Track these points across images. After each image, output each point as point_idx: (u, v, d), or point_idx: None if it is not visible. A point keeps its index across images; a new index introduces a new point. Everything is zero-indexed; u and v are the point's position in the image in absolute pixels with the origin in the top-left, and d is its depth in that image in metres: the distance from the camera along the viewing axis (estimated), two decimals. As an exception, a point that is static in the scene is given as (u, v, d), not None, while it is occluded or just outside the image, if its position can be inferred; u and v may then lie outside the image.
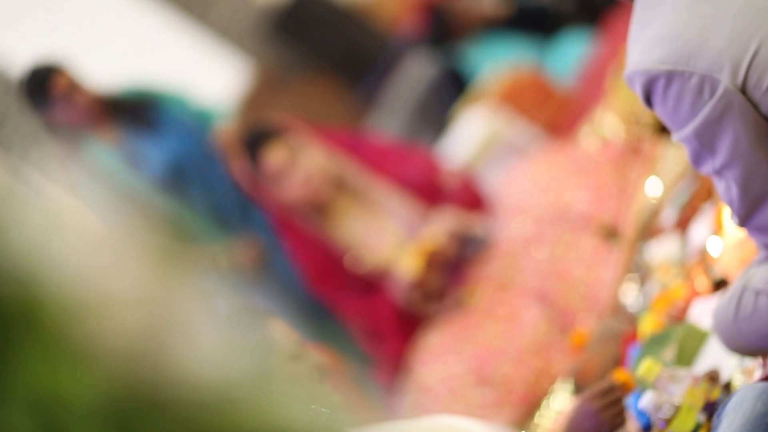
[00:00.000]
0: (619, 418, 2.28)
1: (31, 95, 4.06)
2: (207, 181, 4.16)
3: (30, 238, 0.91)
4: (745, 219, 1.86)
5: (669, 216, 3.05)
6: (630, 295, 3.02)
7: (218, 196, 4.17)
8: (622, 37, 5.01)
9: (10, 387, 0.85)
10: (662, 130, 3.51)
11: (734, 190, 1.82)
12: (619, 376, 2.35)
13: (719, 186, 1.85)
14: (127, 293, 0.91)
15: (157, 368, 0.88)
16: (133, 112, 4.22)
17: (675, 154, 3.28)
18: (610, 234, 2.80)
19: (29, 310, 0.86)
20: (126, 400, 0.86)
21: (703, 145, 1.80)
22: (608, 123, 3.72)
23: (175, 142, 4.19)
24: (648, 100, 1.83)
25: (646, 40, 1.82)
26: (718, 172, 1.82)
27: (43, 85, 4.03)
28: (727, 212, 2.58)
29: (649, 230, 3.13)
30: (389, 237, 3.53)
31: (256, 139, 3.51)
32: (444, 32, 6.59)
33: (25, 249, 0.89)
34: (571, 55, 6.21)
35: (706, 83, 1.75)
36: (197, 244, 4.14)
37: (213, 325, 0.94)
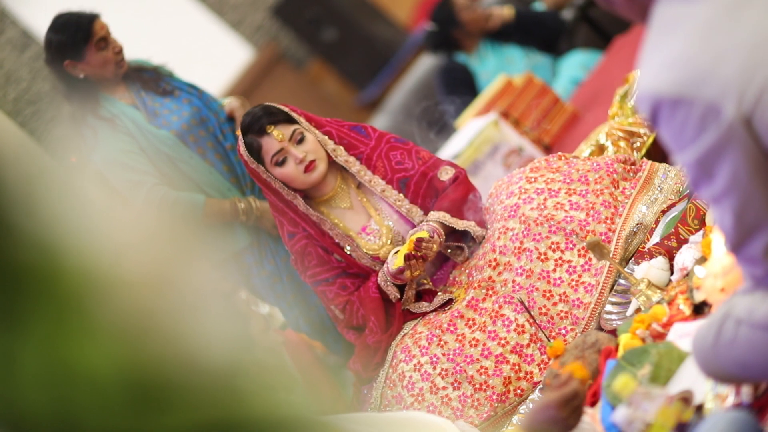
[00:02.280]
0: (578, 420, 2.35)
1: (71, 38, 4.10)
2: (223, 147, 4.24)
3: (57, 208, 0.91)
4: (736, 248, 1.88)
5: (657, 238, 3.10)
6: (613, 312, 3.07)
7: (233, 161, 4.26)
8: (629, 61, 5.05)
9: (23, 353, 0.85)
10: (660, 155, 3.55)
11: (729, 219, 1.85)
12: (575, 370, 2.40)
13: (715, 212, 1.87)
14: (144, 272, 0.92)
15: (168, 348, 0.89)
16: (148, 77, 4.28)
17: (670, 178, 3.32)
18: (599, 250, 2.83)
19: (50, 278, 0.86)
20: (137, 378, 0.86)
21: (702, 173, 1.82)
22: (609, 142, 3.76)
23: (189, 107, 4.26)
24: (653, 122, 1.85)
25: (657, 64, 1.83)
26: (716, 200, 1.84)
27: (87, 29, 4.12)
28: (715, 239, 2.63)
29: (637, 250, 3.17)
30: (384, 229, 3.55)
31: (256, 120, 3.53)
32: (448, 32, 6.58)
33: (50, 218, 0.89)
34: (577, 75, 6.24)
35: (711, 112, 1.77)
36: (219, 196, 4.23)
37: (217, 307, 0.95)
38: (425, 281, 3.51)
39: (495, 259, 3.32)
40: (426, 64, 7.84)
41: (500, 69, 6.37)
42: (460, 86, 6.38)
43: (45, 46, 4.18)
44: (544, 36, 6.51)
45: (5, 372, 0.83)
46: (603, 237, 3.20)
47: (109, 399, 0.85)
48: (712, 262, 2.57)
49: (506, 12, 6.53)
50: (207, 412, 0.88)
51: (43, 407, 0.84)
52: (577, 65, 6.26)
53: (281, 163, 3.50)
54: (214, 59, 9.04)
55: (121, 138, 4.14)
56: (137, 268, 0.90)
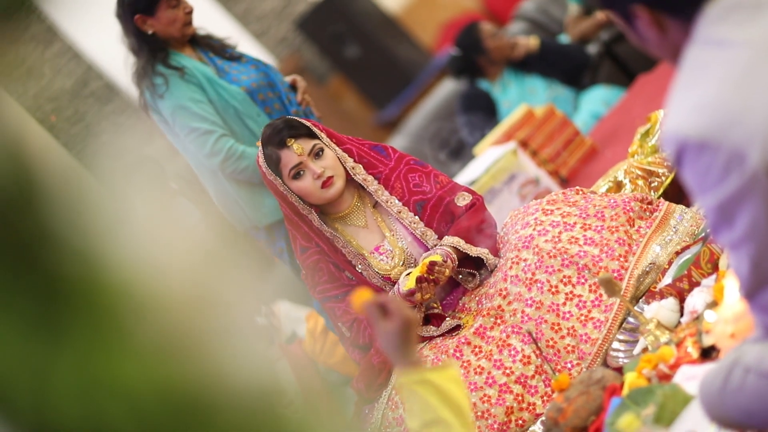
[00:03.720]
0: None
1: None
2: (288, 111, 4.34)
3: (103, 222, 0.91)
4: (751, 295, 1.88)
5: (669, 279, 3.09)
6: (620, 349, 3.06)
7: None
8: (652, 100, 5.04)
9: (59, 365, 0.84)
10: (677, 196, 3.55)
11: (745, 266, 1.84)
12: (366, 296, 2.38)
13: (733, 258, 1.87)
14: (185, 291, 0.92)
15: (205, 369, 0.88)
16: (215, 44, 4.44)
17: (686, 220, 3.32)
18: (610, 287, 2.82)
19: (92, 291, 0.85)
20: (173, 397, 0.85)
21: (723, 218, 1.82)
22: (627, 180, 3.76)
23: (257, 71, 4.35)
24: (677, 164, 1.85)
25: (686, 105, 1.83)
26: (734, 246, 1.84)
27: None
28: (728, 284, 2.62)
29: (648, 290, 3.17)
30: (397, 250, 3.55)
31: (277, 132, 3.53)
32: (473, 58, 6.59)
33: (96, 231, 0.89)
34: (598, 110, 6.24)
35: (735, 158, 1.76)
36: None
37: (251, 330, 0.94)
38: (435, 305, 3.51)
39: (506, 289, 3.32)
40: (448, 88, 7.84)
41: (522, 99, 6.38)
42: (481, 113, 6.39)
43: (117, 0, 4.28)
44: (567, 69, 6.51)
45: (39, 383, 0.83)
46: (615, 274, 3.20)
47: (144, 417, 0.84)
48: (724, 308, 2.56)
49: (531, 42, 6.54)
50: None
51: (75, 421, 0.83)
52: (598, 100, 6.27)
53: (299, 177, 3.51)
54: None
55: (191, 87, 4.23)
56: (179, 288, 0.90)
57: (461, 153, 6.86)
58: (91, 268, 0.86)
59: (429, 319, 3.49)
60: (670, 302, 2.95)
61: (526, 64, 6.54)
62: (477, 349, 3.25)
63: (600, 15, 6.75)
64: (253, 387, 0.90)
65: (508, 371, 3.18)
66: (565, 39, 7.00)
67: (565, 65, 6.50)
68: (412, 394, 2.23)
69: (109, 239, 0.88)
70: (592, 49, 6.72)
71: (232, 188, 4.25)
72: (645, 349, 2.89)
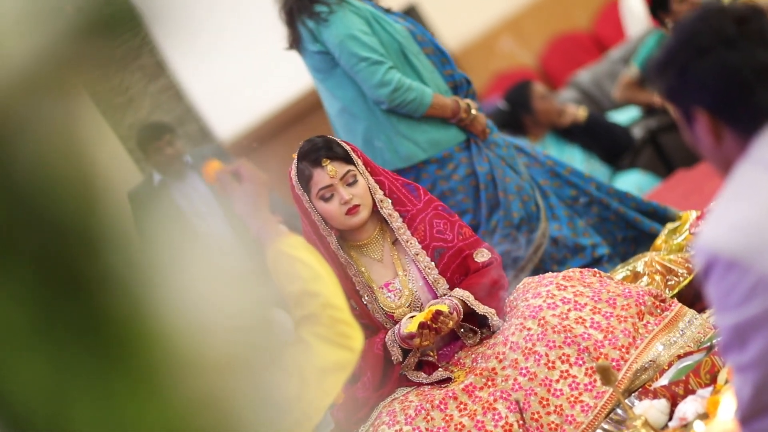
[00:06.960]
0: None
1: None
2: (443, 54, 4.52)
3: (158, 273, 0.91)
4: (746, 420, 1.88)
5: (665, 380, 3.09)
6: (602, 438, 3.06)
7: (453, 66, 4.55)
8: (685, 197, 5.02)
9: (83, 400, 0.83)
10: (690, 300, 3.54)
11: (747, 391, 1.84)
12: None
13: (736, 380, 1.86)
14: (223, 355, 0.91)
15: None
16: None
17: (695, 326, 3.31)
18: (607, 375, 2.81)
19: (135, 337, 0.85)
20: None
21: (736, 339, 1.81)
22: (645, 272, 3.75)
23: (406, 21, 4.50)
24: (704, 277, 1.85)
25: (726, 221, 1.83)
26: (740, 369, 1.84)
27: None
28: (723, 400, 2.62)
29: (642, 386, 3.16)
30: (406, 291, 3.54)
31: (315, 150, 3.52)
32: (519, 115, 6.60)
33: (150, 280, 0.89)
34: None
35: (762, 284, 1.76)
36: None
37: (282, 398, 0.93)
38: (431, 353, 3.50)
39: (503, 353, 3.31)
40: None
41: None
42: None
43: None
44: (609, 147, 6.52)
45: (58, 412, 0.83)
46: (614, 363, 3.20)
47: None
48: (715, 423, 2.56)
49: (580, 112, 6.55)
50: None
51: None
52: (633, 184, 6.26)
53: (326, 199, 3.50)
54: (279, 77, 9.07)
55: (358, 19, 4.32)
56: (219, 348, 0.89)
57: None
58: (138, 315, 0.85)
59: (422, 366, 3.48)
60: (662, 404, 2.94)
61: (569, 133, 6.55)
62: (462, 406, 3.24)
63: (656, 98, 6.74)
64: None
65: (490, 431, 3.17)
66: (620, 117, 6.97)
67: (607, 143, 6.51)
68: (291, 258, 2.27)
69: (161, 290, 0.87)
70: (637, 132, 6.72)
71: (390, 123, 4.32)
72: (628, 445, 2.89)
